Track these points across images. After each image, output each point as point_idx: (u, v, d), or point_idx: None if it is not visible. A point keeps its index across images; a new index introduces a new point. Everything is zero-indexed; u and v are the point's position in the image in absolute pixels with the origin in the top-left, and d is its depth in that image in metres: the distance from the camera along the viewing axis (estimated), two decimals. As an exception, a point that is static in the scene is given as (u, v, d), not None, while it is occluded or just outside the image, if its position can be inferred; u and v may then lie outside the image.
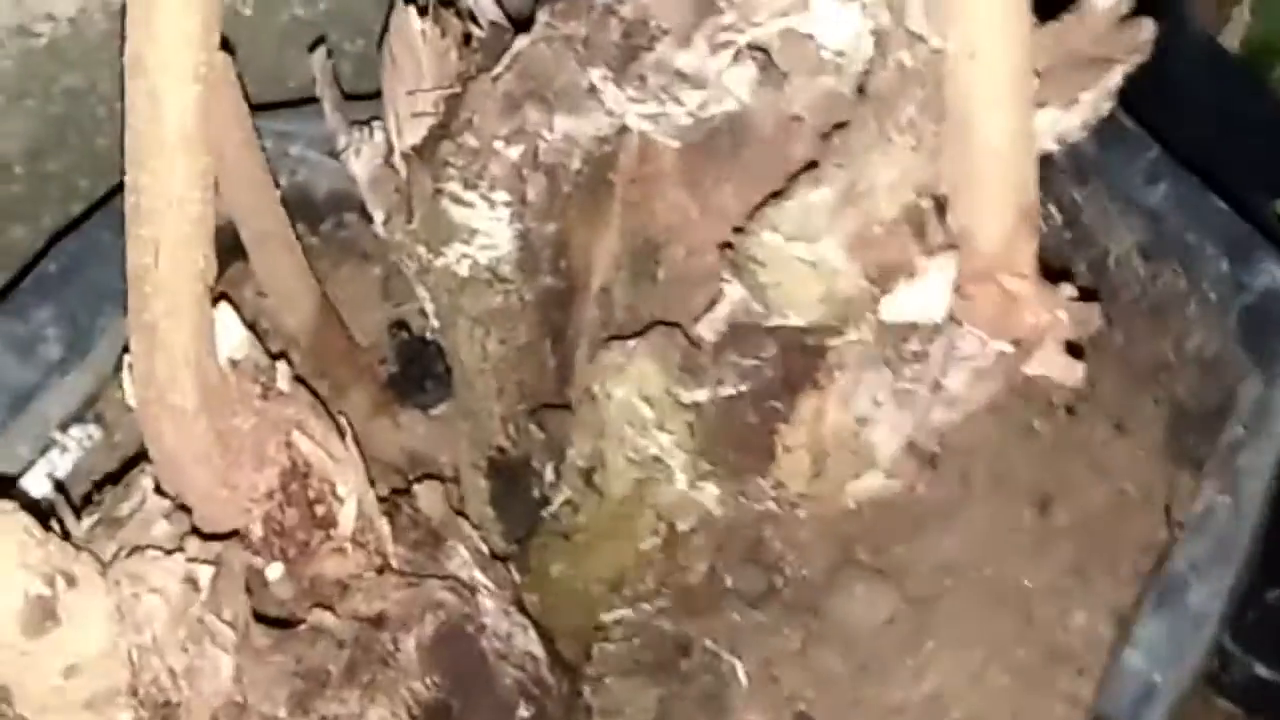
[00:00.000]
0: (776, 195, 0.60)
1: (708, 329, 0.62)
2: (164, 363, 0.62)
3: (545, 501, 0.75)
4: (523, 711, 0.68)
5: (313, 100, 0.85)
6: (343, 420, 0.70)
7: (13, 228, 0.99)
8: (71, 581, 0.49)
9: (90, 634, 0.50)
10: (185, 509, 0.60)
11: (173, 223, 0.58)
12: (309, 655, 0.62)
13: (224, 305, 0.68)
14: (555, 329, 0.79)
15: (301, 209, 0.87)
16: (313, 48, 0.83)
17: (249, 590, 0.65)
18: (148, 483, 0.61)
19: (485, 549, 0.74)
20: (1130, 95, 0.66)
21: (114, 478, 0.66)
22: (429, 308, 0.78)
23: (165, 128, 0.56)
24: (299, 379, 0.71)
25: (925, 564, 0.78)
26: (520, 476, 0.80)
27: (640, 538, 0.70)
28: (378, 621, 0.65)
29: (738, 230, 0.62)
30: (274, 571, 0.68)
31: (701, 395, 0.63)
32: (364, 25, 1.01)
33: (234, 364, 0.69)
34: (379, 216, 0.79)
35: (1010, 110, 0.54)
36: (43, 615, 0.48)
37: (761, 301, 0.61)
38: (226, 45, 0.70)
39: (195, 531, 0.60)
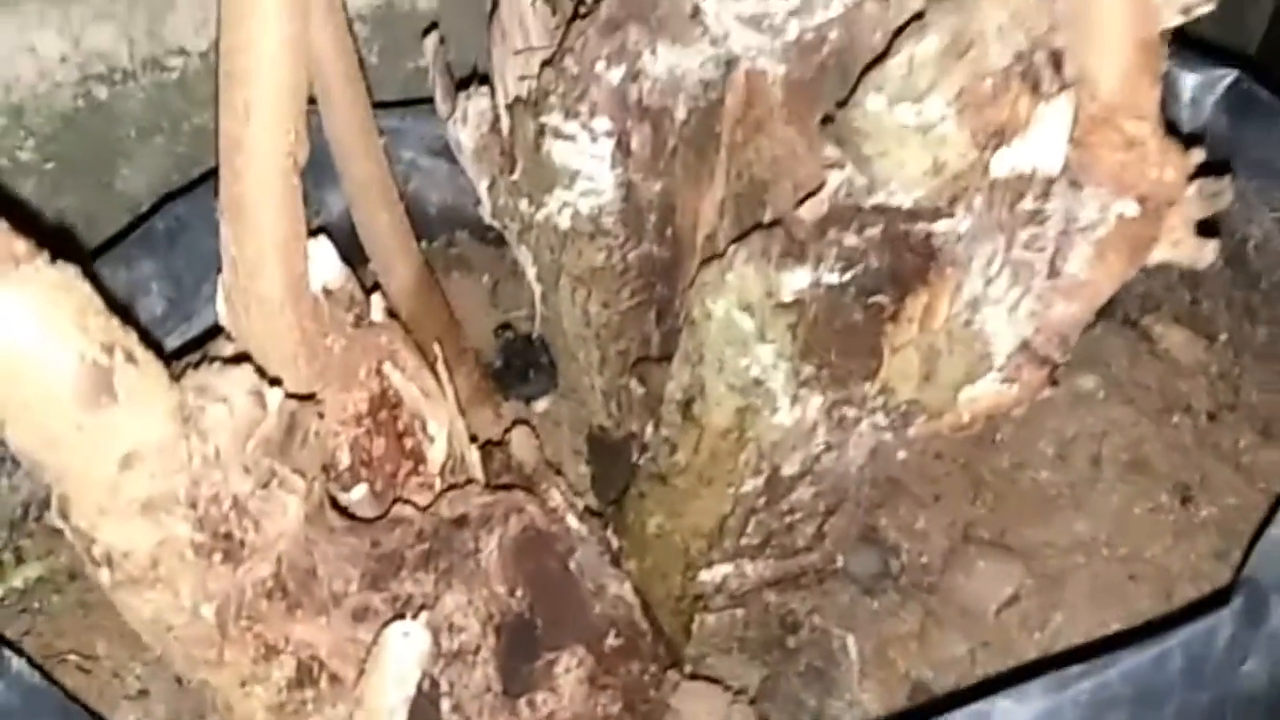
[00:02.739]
0: (880, 57, 0.57)
1: (809, 211, 0.59)
2: (252, 245, 0.60)
3: (644, 456, 0.71)
4: (611, 640, 0.63)
5: (424, 99, 0.86)
6: (437, 354, 0.68)
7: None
8: (131, 358, 0.47)
9: (150, 421, 0.47)
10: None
11: (265, 85, 0.57)
12: (386, 540, 0.58)
13: (322, 237, 0.67)
14: (659, 299, 0.76)
15: (414, 222, 0.86)
16: (425, 32, 0.83)
17: (332, 501, 0.62)
18: (229, 347, 0.59)
19: (581, 505, 0.70)
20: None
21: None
22: (530, 272, 0.76)
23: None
24: (393, 315, 0.69)
25: (1054, 543, 0.72)
26: (620, 453, 0.77)
27: (741, 480, 0.66)
28: (460, 521, 0.61)
29: (838, 105, 0.59)
30: (358, 492, 0.64)
31: (803, 281, 0.59)
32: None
33: (328, 293, 0.67)
34: (483, 185, 0.78)
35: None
36: (99, 387, 0.46)
37: (866, 175, 0.58)
38: None
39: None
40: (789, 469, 0.66)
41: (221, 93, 0.59)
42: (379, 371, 0.67)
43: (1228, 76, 0.77)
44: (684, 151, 0.73)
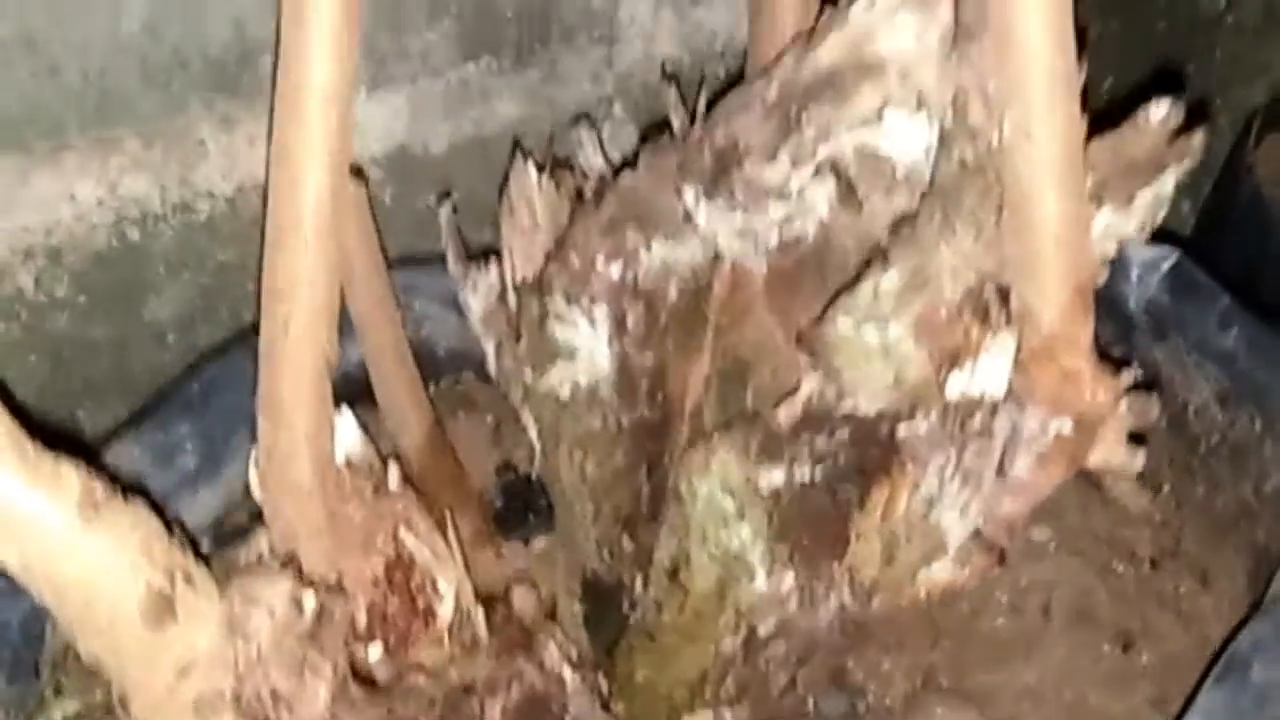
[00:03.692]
0: (851, 283, 0.65)
1: (785, 414, 0.67)
2: (286, 438, 0.67)
3: (634, 610, 0.78)
4: (603, 795, 0.70)
5: (436, 257, 0.93)
6: (446, 520, 0.75)
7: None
8: (190, 581, 0.54)
9: (204, 634, 0.54)
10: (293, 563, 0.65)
11: (303, 300, 0.65)
12: (401, 709, 0.66)
13: (345, 410, 0.74)
14: (650, 457, 0.83)
15: (423, 365, 0.94)
16: (440, 199, 0.91)
17: (352, 665, 0.69)
18: (265, 541, 0.66)
19: (575, 652, 0.77)
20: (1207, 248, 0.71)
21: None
22: (532, 432, 0.84)
23: (302, 211, 0.63)
24: (408, 481, 0.76)
25: (1007, 690, 0.79)
26: (613, 597, 0.84)
27: (721, 638, 0.73)
28: (468, 688, 0.68)
29: (814, 321, 0.67)
30: (374, 651, 0.71)
31: (778, 478, 0.66)
32: (492, 215, 1.10)
33: (349, 463, 0.75)
34: (490, 347, 0.85)
35: (1065, 189, 0.59)
36: (163, 610, 0.53)
37: (836, 386, 0.66)
38: (359, 174, 0.78)
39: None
40: (765, 629, 0.74)
41: (264, 303, 0.67)
42: (395, 537, 0.75)
43: (1170, 258, 0.85)
44: (674, 327, 0.80)
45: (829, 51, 0.67)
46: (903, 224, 0.65)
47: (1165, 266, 0.84)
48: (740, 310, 0.78)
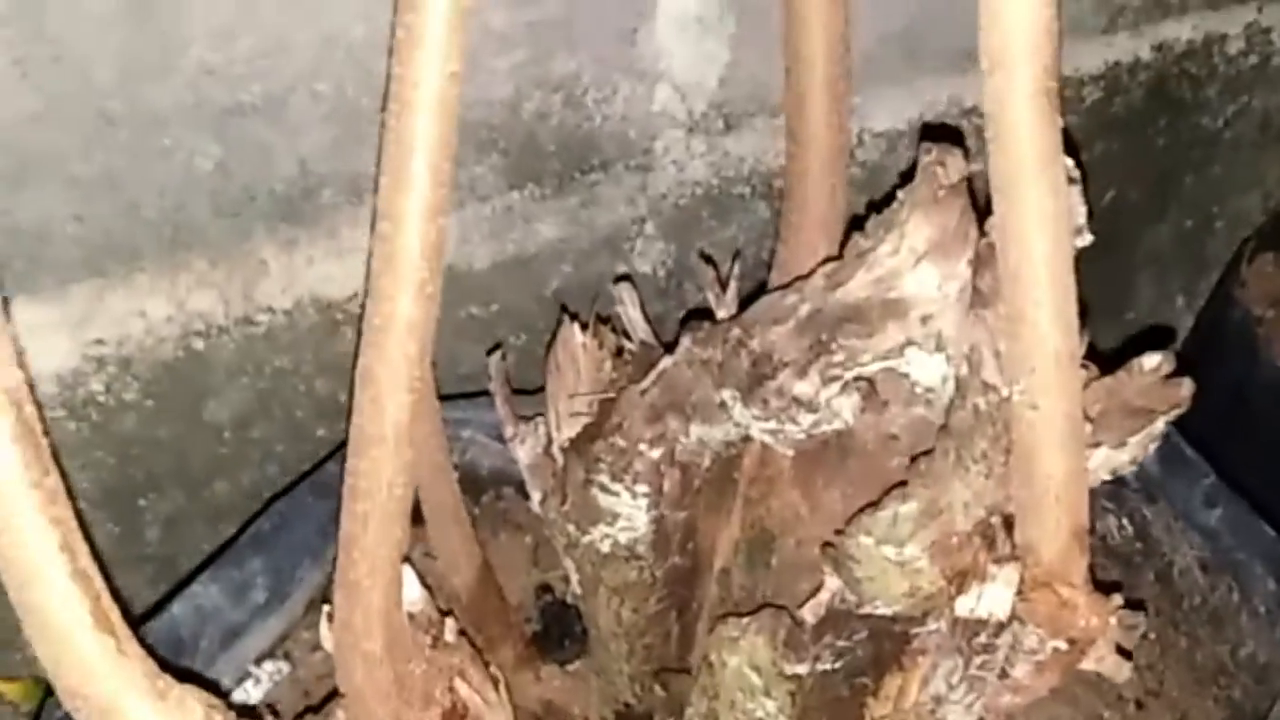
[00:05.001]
0: (871, 506, 0.72)
1: (810, 613, 0.74)
2: (361, 615, 0.75)
3: (664, 754, 0.86)
4: None
5: (483, 392, 1.01)
6: (495, 671, 0.83)
7: (217, 483, 1.15)
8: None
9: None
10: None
11: (381, 502, 0.72)
12: None
13: (407, 567, 0.82)
14: (680, 601, 0.91)
15: (467, 483, 1.01)
16: (490, 351, 0.98)
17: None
18: (341, 714, 0.74)
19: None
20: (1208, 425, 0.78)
21: (310, 709, 0.79)
22: (573, 577, 0.92)
23: (384, 427, 0.71)
24: (462, 632, 0.84)
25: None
26: (643, 730, 0.92)
27: (744, 789, 0.81)
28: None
29: (838, 532, 0.74)
30: (433, 798, 0.80)
31: (802, 669, 0.74)
32: (528, 323, 1.18)
33: (411, 616, 0.82)
34: (536, 496, 0.93)
35: (1066, 452, 0.66)
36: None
37: (856, 593, 0.73)
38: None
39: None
40: (782, 782, 0.82)
41: (345, 499, 0.74)
42: (451, 688, 0.83)
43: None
44: (706, 490, 0.88)
45: (858, 287, 0.74)
46: (920, 459, 0.72)
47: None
48: (767, 484, 0.85)
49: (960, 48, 1.23)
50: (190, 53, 0.94)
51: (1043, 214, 0.62)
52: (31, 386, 0.56)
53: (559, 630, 0.98)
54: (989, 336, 0.68)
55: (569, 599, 0.99)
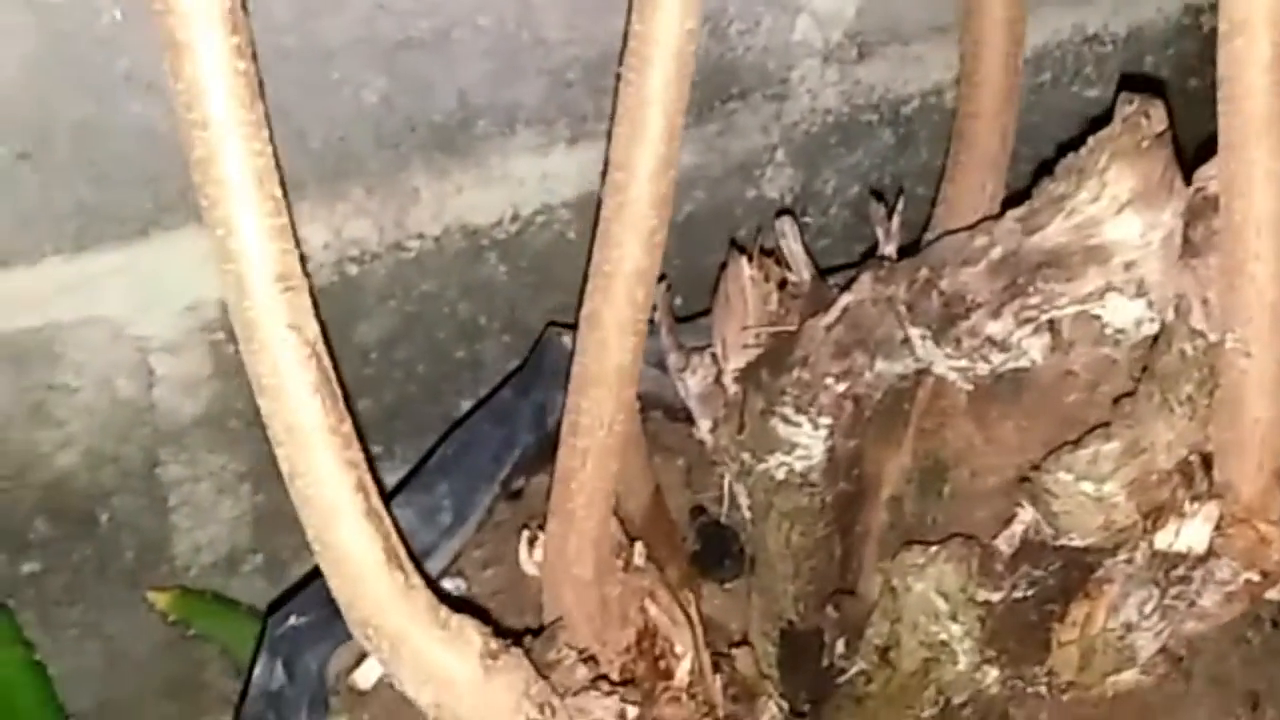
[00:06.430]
0: (1073, 443, 0.76)
1: (1005, 543, 0.78)
2: (575, 542, 0.79)
3: (835, 670, 0.91)
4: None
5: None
6: (686, 593, 0.87)
7: (361, 401, 1.18)
8: (553, 712, 0.66)
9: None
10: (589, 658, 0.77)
11: (601, 438, 0.76)
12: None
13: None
14: (845, 525, 0.95)
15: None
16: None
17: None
18: (563, 636, 0.78)
19: (788, 707, 0.89)
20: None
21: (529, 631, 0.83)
22: (743, 501, 0.95)
23: (608, 368, 0.74)
24: (650, 558, 0.88)
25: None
26: (808, 646, 0.96)
27: (922, 707, 0.86)
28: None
29: (1034, 467, 0.78)
30: (630, 713, 0.84)
31: (994, 596, 0.78)
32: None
33: (603, 542, 0.86)
34: (705, 424, 0.96)
35: (1273, 398, 0.70)
36: (537, 736, 0.65)
37: (1051, 525, 0.77)
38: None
39: (601, 678, 0.76)
40: (959, 699, 0.86)
41: (564, 435, 0.78)
42: (642, 609, 0.87)
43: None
44: (876, 419, 0.91)
45: (1056, 232, 0.77)
46: (1124, 400, 0.76)
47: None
48: (942, 416, 0.89)
49: (1084, -23, 1.25)
50: (366, -12, 0.96)
51: (1268, 174, 0.65)
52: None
53: (717, 550, 1.02)
54: (1197, 285, 0.71)
55: (723, 519, 1.03)
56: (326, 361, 0.59)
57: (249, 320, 0.57)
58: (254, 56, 0.56)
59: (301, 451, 0.58)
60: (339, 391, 0.60)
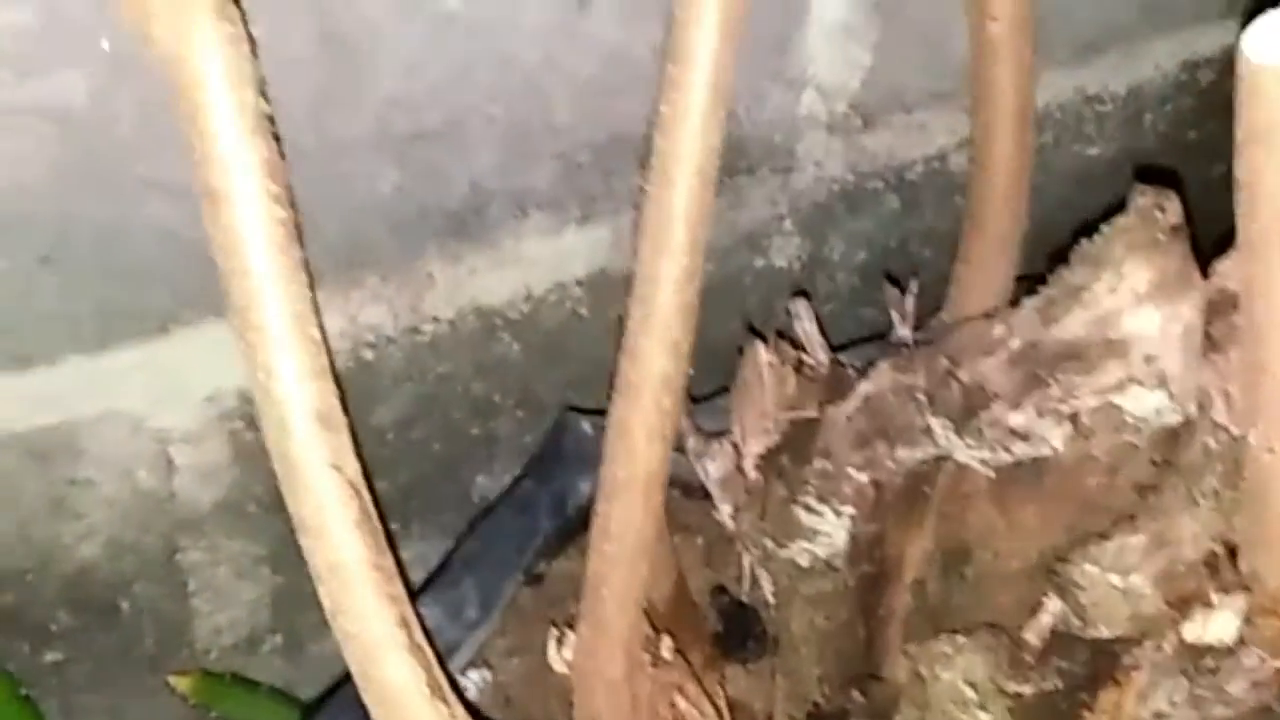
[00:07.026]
0: (1099, 535, 0.77)
1: (1034, 634, 0.79)
2: (605, 645, 0.79)
3: (860, 753, 0.91)
4: None
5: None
6: (714, 686, 0.87)
7: (380, 481, 1.18)
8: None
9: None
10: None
11: (630, 544, 0.76)
12: None
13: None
14: (868, 607, 0.96)
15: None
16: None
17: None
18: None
19: (815, 791, 0.90)
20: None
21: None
22: (767, 587, 0.96)
23: (636, 474, 0.75)
24: (677, 650, 0.89)
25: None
26: (834, 728, 0.97)
27: (952, 791, 0.86)
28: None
29: (1059, 557, 0.79)
30: (662, 807, 0.85)
31: (1025, 689, 0.79)
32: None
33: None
34: (726, 509, 0.97)
35: (1298, 493, 0.71)
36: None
37: (1079, 616, 0.78)
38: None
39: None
40: (988, 782, 0.87)
41: (594, 539, 0.78)
42: (672, 704, 0.87)
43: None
44: (896, 503, 0.92)
45: (1075, 324, 0.78)
46: (1148, 491, 0.76)
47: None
48: (964, 500, 0.89)
49: (1084, 39, 1.27)
50: (380, 85, 0.96)
51: (1288, 276, 0.66)
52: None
53: (740, 631, 1.03)
54: (1219, 379, 0.72)
55: (744, 599, 1.03)
56: (367, 497, 0.60)
57: (291, 460, 0.58)
58: (293, 203, 0.57)
59: (344, 589, 0.59)
60: (380, 526, 0.60)
